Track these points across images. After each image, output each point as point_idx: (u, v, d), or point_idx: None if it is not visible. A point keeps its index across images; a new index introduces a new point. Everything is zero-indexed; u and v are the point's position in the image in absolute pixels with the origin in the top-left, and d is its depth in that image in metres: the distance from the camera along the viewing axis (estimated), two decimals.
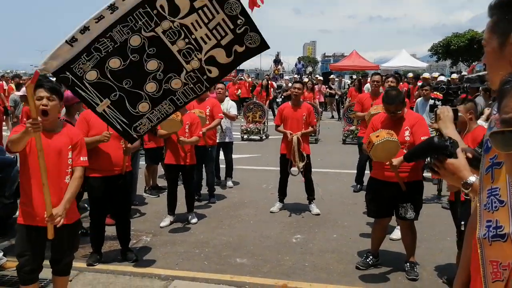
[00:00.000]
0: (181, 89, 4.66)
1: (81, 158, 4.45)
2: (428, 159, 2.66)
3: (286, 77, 31.24)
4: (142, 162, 10.01)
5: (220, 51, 4.47)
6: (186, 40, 4.39)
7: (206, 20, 4.33)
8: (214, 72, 4.61)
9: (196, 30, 4.36)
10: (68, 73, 4.30)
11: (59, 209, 4.16)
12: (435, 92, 4.52)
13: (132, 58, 4.40)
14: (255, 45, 4.47)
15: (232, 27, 4.35)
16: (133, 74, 4.49)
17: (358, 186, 9.92)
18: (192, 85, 4.65)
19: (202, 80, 4.64)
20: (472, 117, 5.24)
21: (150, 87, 4.57)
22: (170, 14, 4.28)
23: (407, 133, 5.64)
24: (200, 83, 4.65)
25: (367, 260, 6.06)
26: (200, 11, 4.29)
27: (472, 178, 2.28)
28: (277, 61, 41.76)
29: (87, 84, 4.40)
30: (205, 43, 4.43)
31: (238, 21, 4.34)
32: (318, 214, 8.28)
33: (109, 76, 4.42)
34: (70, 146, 4.32)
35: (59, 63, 4.25)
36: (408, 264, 5.84)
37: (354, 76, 28.14)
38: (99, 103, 4.52)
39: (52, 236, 4.17)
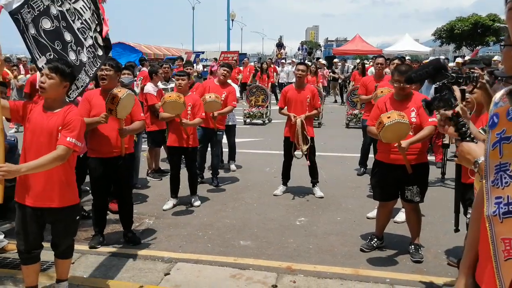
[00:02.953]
0: (87, 62, 5.21)
1: (68, 138, 4.13)
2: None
3: (283, 61, 30.99)
4: (144, 145, 9.99)
5: (97, 35, 5.25)
6: (80, 21, 5.11)
7: (88, 5, 5.15)
8: (98, 51, 5.33)
9: (84, 12, 5.13)
10: (19, 17, 4.62)
11: (6, 165, 3.87)
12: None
13: (56, 24, 4.90)
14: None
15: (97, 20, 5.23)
16: (60, 39, 4.95)
17: (362, 169, 9.87)
18: (92, 59, 5.24)
19: (97, 55, 5.30)
20: (483, 97, 5.14)
21: (71, 55, 5.01)
22: None
23: (413, 114, 5.56)
24: (96, 57, 5.29)
25: (372, 242, 6.03)
26: None
27: (482, 158, 2.24)
28: (280, 45, 41.49)
29: (29, 36, 4.73)
30: (92, 23, 5.20)
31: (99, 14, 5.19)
32: (321, 197, 8.24)
33: (43, 35, 4.81)
34: (60, 127, 4.18)
35: (13, 5, 4.57)
36: (412, 246, 5.80)
37: (358, 61, 27.99)
38: (38, 58, 4.78)
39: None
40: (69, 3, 5.04)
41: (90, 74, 5.27)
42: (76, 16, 5.10)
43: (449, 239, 6.20)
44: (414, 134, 5.51)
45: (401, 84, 5.63)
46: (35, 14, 4.73)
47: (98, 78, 5.94)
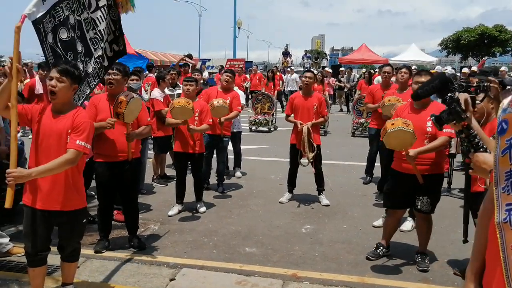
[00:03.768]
0: (92, 73, 5.28)
1: (77, 142, 4.15)
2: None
3: (289, 69, 30.98)
4: (150, 151, 9.98)
5: (107, 46, 5.25)
6: (94, 31, 5.16)
7: (105, 16, 5.16)
8: (105, 61, 5.33)
9: (100, 23, 5.16)
10: (40, 26, 4.74)
11: (17, 170, 3.96)
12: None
13: (71, 34, 5.03)
14: (121, 48, 5.33)
15: (113, 29, 5.21)
16: (72, 49, 5.08)
17: (368, 178, 9.84)
18: (97, 70, 5.27)
19: (103, 66, 5.30)
20: (494, 106, 5.12)
21: (79, 66, 4.99)
22: (88, 7, 5.11)
23: (429, 123, 5.50)
24: (102, 68, 5.30)
25: (378, 250, 6.00)
26: (102, 9, 5.12)
27: None
28: (286, 53, 41.57)
29: (48, 45, 4.87)
30: (105, 34, 5.20)
31: (117, 25, 5.23)
32: (327, 205, 8.21)
33: (59, 44, 4.94)
34: (69, 130, 4.20)
35: (37, 14, 4.71)
36: (419, 255, 5.77)
37: (364, 70, 27.99)
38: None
39: (8, 205, 3.97)
40: (87, 13, 5.10)
41: (92, 86, 5.32)
42: (92, 26, 5.15)
43: (456, 248, 6.17)
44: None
45: (418, 85, 5.59)
46: (55, 23, 4.85)
47: (106, 82, 5.97)
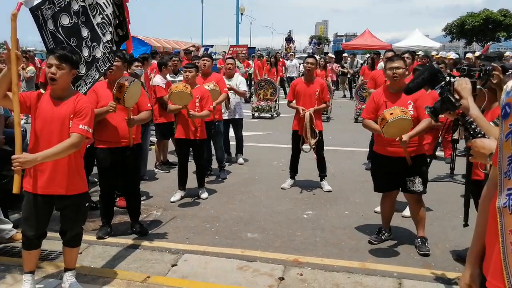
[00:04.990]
0: (101, 58, 5.28)
1: (80, 126, 4.20)
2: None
3: (291, 53, 31.02)
4: (153, 138, 9.98)
5: (113, 30, 5.35)
6: (101, 16, 5.20)
7: (111, 0, 5.22)
8: (114, 46, 5.41)
9: (107, 7, 5.21)
10: (38, 13, 4.67)
11: (23, 155, 4.00)
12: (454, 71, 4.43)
13: (75, 20, 4.97)
14: (124, 32, 5.44)
15: (117, 13, 5.30)
16: (76, 35, 5.03)
17: (370, 163, 9.81)
18: (107, 54, 5.32)
19: (113, 50, 5.39)
20: (498, 94, 5.11)
21: (85, 51, 5.08)
22: None
23: (410, 107, 5.55)
24: (112, 52, 5.38)
25: (380, 235, 6.02)
26: None
27: None
28: (289, 39, 41.49)
29: (48, 32, 4.80)
30: (113, 19, 5.28)
31: (120, 10, 5.31)
32: (329, 191, 8.21)
33: (60, 30, 4.88)
34: (72, 115, 4.23)
35: (34, 1, 4.62)
36: (419, 239, 5.78)
37: (368, 55, 27.84)
38: None
39: (16, 190, 4.02)
40: None
41: (102, 70, 5.33)
42: (98, 11, 5.18)
43: (457, 234, 6.17)
44: (413, 127, 5.48)
45: (393, 71, 5.64)
46: (56, 10, 4.82)
47: None
